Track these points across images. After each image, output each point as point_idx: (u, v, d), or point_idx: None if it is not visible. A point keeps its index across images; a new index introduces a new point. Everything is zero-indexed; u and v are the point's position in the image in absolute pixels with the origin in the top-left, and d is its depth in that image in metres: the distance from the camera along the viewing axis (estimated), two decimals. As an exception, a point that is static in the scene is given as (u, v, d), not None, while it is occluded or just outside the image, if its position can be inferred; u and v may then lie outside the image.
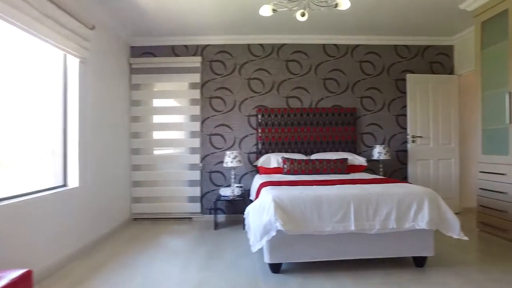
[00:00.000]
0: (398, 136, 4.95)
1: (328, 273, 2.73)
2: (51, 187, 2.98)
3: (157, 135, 4.84)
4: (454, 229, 2.70)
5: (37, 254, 2.61)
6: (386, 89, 4.95)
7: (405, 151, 4.91)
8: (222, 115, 4.82)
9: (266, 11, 2.76)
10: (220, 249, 3.42)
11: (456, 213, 2.75)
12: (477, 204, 3.75)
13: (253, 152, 4.82)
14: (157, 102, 4.84)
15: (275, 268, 2.73)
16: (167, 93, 4.83)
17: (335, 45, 4.93)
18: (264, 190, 2.94)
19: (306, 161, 4.19)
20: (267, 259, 2.69)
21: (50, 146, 3.07)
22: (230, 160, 4.22)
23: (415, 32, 4.78)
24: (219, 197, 4.43)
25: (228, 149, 4.79)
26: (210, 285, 2.57)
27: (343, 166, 4.17)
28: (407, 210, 2.68)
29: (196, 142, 4.78)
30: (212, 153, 4.80)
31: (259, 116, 4.73)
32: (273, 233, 2.53)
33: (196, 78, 4.78)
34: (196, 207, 4.75)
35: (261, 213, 2.63)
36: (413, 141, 4.78)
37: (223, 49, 4.83)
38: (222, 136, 4.81)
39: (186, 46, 4.81)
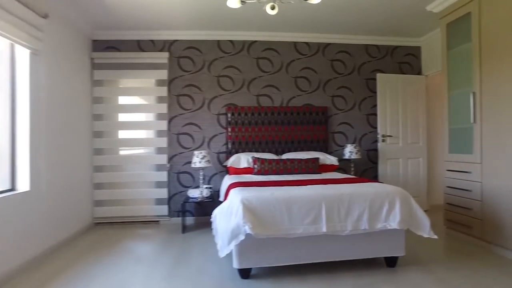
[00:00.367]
0: (369, 136, 4.96)
1: (300, 277, 2.63)
2: (-4, 192, 2.69)
3: (122, 134, 4.57)
4: (425, 228, 2.68)
5: (-23, 266, 2.33)
6: (357, 88, 4.95)
7: (376, 150, 4.93)
8: (191, 114, 4.63)
9: (234, 2, 2.62)
10: (187, 254, 3.24)
11: (424, 211, 2.74)
12: (444, 202, 3.79)
13: (223, 152, 4.66)
14: (122, 100, 4.58)
15: (245, 273, 2.59)
16: (133, 90, 4.57)
17: (306, 43, 4.86)
18: (232, 191, 2.80)
19: (277, 161, 4.09)
20: (236, 265, 2.55)
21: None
22: (198, 160, 4.04)
23: (385, 32, 4.81)
24: (187, 199, 4.24)
25: (196, 148, 4.61)
26: (174, 294, 2.40)
27: (314, 166, 4.10)
28: (379, 210, 2.63)
29: (163, 142, 4.56)
30: (180, 153, 4.60)
31: (229, 115, 4.59)
32: (242, 237, 2.40)
33: (163, 74, 4.56)
34: (163, 209, 4.54)
35: (229, 216, 2.49)
36: (383, 140, 4.80)
37: (192, 45, 4.64)
38: (190, 135, 4.62)
39: (152, 41, 4.58)
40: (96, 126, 4.47)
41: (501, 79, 3.07)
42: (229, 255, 2.63)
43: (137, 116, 4.57)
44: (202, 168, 4.17)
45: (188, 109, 4.63)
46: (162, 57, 4.52)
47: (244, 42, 4.74)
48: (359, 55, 4.97)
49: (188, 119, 4.62)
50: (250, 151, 4.57)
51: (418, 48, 5.14)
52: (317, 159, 4.19)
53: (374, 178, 4.91)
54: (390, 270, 2.74)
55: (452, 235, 3.69)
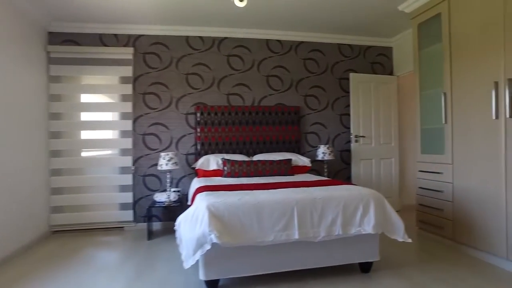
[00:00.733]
0: (342, 136, 4.90)
1: (271, 286, 2.48)
2: None
3: (83, 134, 4.25)
4: (399, 232, 2.60)
5: None
6: (330, 88, 4.88)
7: (349, 151, 4.87)
8: (157, 113, 4.38)
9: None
10: (151, 264, 3.02)
11: (397, 211, 2.67)
12: (416, 202, 3.77)
13: (192, 153, 4.45)
14: (83, 97, 4.25)
15: (212, 285, 2.41)
16: (95, 87, 4.26)
17: (278, 41, 4.73)
18: (198, 196, 2.61)
19: (248, 163, 3.93)
20: (202, 276, 2.37)
21: None
22: (165, 162, 3.81)
23: (358, 32, 4.76)
24: (153, 203, 3.99)
25: (164, 150, 4.37)
26: (133, 311, 2.19)
27: (286, 167, 3.98)
28: (353, 214, 2.52)
29: (128, 143, 4.29)
30: (146, 155, 4.34)
31: (198, 114, 4.38)
32: (208, 247, 2.22)
33: (128, 71, 4.29)
34: (128, 215, 4.27)
35: (193, 223, 2.30)
36: (356, 141, 4.75)
37: (158, 41, 4.39)
38: (157, 136, 4.37)
39: (116, 35, 4.30)
40: (54, 126, 4.13)
41: (470, 80, 3.06)
42: (195, 265, 2.44)
43: (100, 115, 4.27)
44: (169, 171, 3.94)
45: (154, 108, 4.37)
46: (127, 52, 4.25)
47: (214, 38, 4.55)
48: (332, 54, 4.90)
49: (155, 118, 4.37)
50: (220, 152, 4.38)
51: (390, 49, 5.14)
52: (289, 160, 4.07)
53: (348, 179, 4.85)
54: (365, 276, 2.65)
55: (424, 236, 3.67)
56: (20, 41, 3.50)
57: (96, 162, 4.26)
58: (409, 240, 2.59)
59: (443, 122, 3.35)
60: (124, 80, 4.29)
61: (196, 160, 4.29)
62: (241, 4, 2.46)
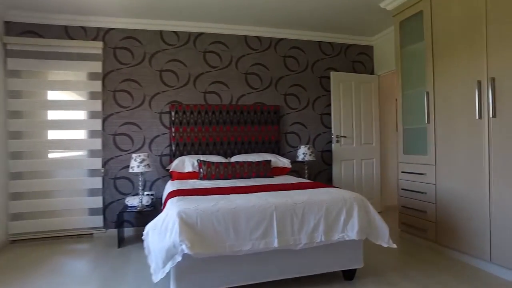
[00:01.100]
0: (323, 136, 4.78)
1: (248, 298, 2.30)
2: None
3: (48, 135, 3.93)
4: (384, 237, 2.48)
5: None
6: (310, 87, 4.75)
7: (330, 151, 4.76)
8: (129, 112, 4.12)
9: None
10: (120, 275, 2.78)
11: (378, 212, 2.55)
12: (399, 204, 3.68)
13: (166, 155, 4.21)
14: (47, 94, 3.94)
15: (184, 299, 2.21)
16: (60, 83, 3.94)
17: (257, 37, 4.56)
18: (170, 202, 2.39)
19: (225, 164, 3.73)
20: (173, 290, 2.16)
21: None
22: (136, 164, 3.57)
23: (338, 30, 4.65)
24: (125, 208, 3.74)
25: (136, 151, 4.12)
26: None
27: (266, 169, 3.81)
28: (336, 220, 2.37)
29: (97, 143, 4.01)
30: (117, 156, 4.08)
31: (173, 113, 4.15)
32: (179, 258, 2.01)
33: (97, 67, 4.01)
34: (98, 220, 3.98)
35: (163, 233, 2.09)
36: (337, 141, 4.64)
37: (131, 35, 4.13)
38: (129, 136, 4.11)
39: (83, 28, 4.00)
40: (13, 125, 3.80)
41: (453, 79, 2.98)
42: (167, 278, 2.23)
43: (66, 114, 3.96)
44: (142, 173, 3.69)
45: (126, 107, 4.11)
46: (95, 47, 3.97)
47: (190, 33, 4.32)
48: (312, 52, 4.78)
49: (126, 117, 4.11)
50: (196, 153, 4.17)
51: (370, 48, 5.06)
52: (268, 161, 3.90)
53: (329, 180, 4.74)
54: (348, 283, 2.51)
55: (407, 238, 3.58)
56: (-28, 31, 3.17)
57: (63, 164, 3.96)
58: (394, 246, 2.47)
59: (426, 122, 3.27)
60: (93, 76, 4.01)
61: (171, 161, 4.06)
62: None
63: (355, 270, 2.56)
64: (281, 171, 4.06)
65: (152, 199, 4.03)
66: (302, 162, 4.45)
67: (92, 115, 4.02)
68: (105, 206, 4.02)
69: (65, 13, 3.84)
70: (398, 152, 3.69)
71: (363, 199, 2.51)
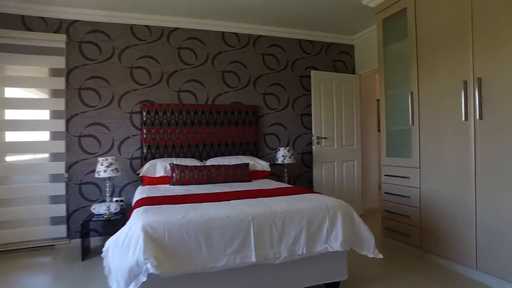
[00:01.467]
0: (303, 137, 4.62)
1: (222, 319, 2.08)
2: None
3: (4, 136, 3.56)
4: (369, 247, 2.31)
5: None
6: (290, 86, 4.57)
7: (310, 153, 4.60)
8: (96, 112, 3.81)
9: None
10: (80, 293, 2.50)
11: (359, 215, 2.39)
12: (382, 209, 3.55)
13: (137, 158, 3.93)
14: (2, 92, 3.56)
15: (150, 322, 1.96)
16: (17, 80, 3.58)
17: (235, 34, 4.34)
18: (135, 213, 2.15)
19: (200, 168, 3.50)
20: (137, 313, 1.91)
21: None
22: (103, 169, 3.28)
23: (319, 28, 4.50)
24: (90, 216, 3.44)
25: (104, 154, 3.82)
26: None
27: (243, 173, 3.60)
28: (319, 230, 2.19)
29: (60, 146, 3.68)
30: (83, 160, 3.76)
31: (144, 113, 3.87)
32: (143, 279, 1.78)
33: (60, 62, 3.68)
34: (61, 230, 3.66)
35: (125, 249, 1.84)
36: (318, 143, 4.48)
37: (98, 28, 3.82)
38: (96, 138, 3.80)
39: (43, 18, 3.66)
40: (-36, 126, 3.43)
41: (438, 79, 2.87)
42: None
43: (25, 113, 3.61)
44: (109, 178, 3.40)
45: (93, 106, 3.80)
46: (58, 40, 3.64)
47: (163, 28, 4.06)
48: (292, 50, 4.60)
49: (93, 118, 3.80)
50: (170, 156, 3.91)
51: (351, 47, 4.94)
52: (246, 164, 3.69)
53: (309, 183, 4.58)
54: (330, 298, 2.34)
55: (390, 244, 3.45)
56: None
57: (21, 169, 3.60)
58: (380, 256, 2.31)
59: (410, 123, 3.14)
60: (55, 72, 3.68)
61: (142, 165, 3.78)
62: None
63: (338, 282, 2.39)
64: (260, 174, 3.87)
65: (122, 205, 3.76)
66: (282, 164, 4.26)
67: (55, 115, 3.69)
68: (69, 215, 3.70)
69: (22, 1, 3.48)
70: (381, 155, 3.56)
71: (347, 207, 2.34)
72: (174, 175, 3.46)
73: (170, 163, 3.57)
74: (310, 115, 4.58)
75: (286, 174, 4.19)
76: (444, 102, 2.81)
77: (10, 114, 3.59)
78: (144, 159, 3.86)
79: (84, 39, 3.78)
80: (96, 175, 3.30)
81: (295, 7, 3.80)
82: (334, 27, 4.50)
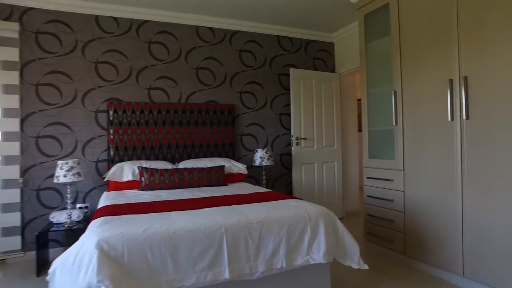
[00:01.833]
0: (282, 138, 4.42)
1: None
2: None
3: None
4: (354, 257, 2.14)
5: None
6: (268, 84, 4.37)
7: (289, 154, 4.41)
8: (57, 110, 3.47)
9: None
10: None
11: (340, 218, 2.22)
12: (364, 213, 3.40)
13: (103, 160, 3.61)
14: None
15: None
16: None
17: (210, 28, 4.10)
18: (91, 226, 1.87)
19: (171, 171, 3.23)
20: None
21: None
22: (62, 173, 2.95)
23: (298, 24, 4.33)
24: (49, 226, 3.11)
25: (66, 156, 3.48)
26: None
27: (218, 176, 3.36)
28: (300, 241, 1.99)
29: (14, 148, 3.31)
30: (41, 163, 3.41)
31: (111, 112, 3.56)
32: (97, 305, 1.51)
33: (12, 54, 3.30)
34: (14, 242, 3.28)
35: (76, 271, 1.57)
36: (297, 143, 4.30)
37: (57, 18, 3.48)
38: (56, 139, 3.46)
39: (-7, 6, 3.29)
40: None
41: (422, 77, 2.74)
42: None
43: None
44: (69, 184, 3.08)
45: (53, 104, 3.46)
46: (9, 29, 3.26)
47: (132, 20, 3.76)
48: (271, 47, 4.40)
49: (54, 117, 3.46)
50: (139, 158, 3.62)
51: (331, 44, 4.80)
52: (221, 167, 3.45)
53: (288, 185, 4.39)
54: (312, 314, 2.14)
55: (373, 249, 3.31)
56: None
57: (-32, 173, 3.22)
58: (365, 267, 2.14)
59: (393, 123, 3.00)
60: (6, 65, 3.30)
61: (109, 168, 3.47)
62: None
63: (319, 296, 2.20)
64: (236, 177, 3.64)
65: (86, 212, 3.44)
66: (260, 167, 4.05)
67: (7, 113, 3.31)
68: (24, 224, 3.34)
69: (-31, -13, 3.11)
70: (363, 156, 3.41)
71: (330, 214, 2.15)
72: (143, 179, 3.18)
73: (138, 166, 3.28)
74: (289, 114, 4.40)
75: (264, 177, 3.98)
76: (429, 102, 2.69)
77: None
78: (111, 162, 3.55)
79: (41, 30, 3.42)
80: (55, 180, 2.97)
81: (273, 0, 3.60)
82: (313, 24, 4.34)
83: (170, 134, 3.75)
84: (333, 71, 4.78)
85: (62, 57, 3.49)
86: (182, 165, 3.48)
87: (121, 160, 3.56)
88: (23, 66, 3.35)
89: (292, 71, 4.29)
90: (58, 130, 3.47)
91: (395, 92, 3.00)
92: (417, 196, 2.80)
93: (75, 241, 1.70)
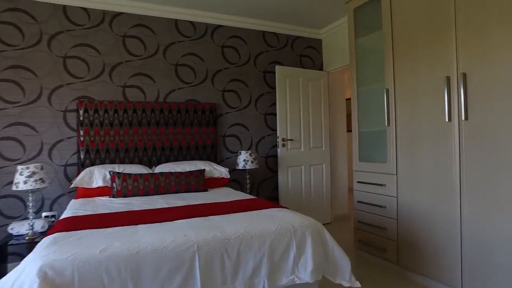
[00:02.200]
0: (267, 139, 4.19)
1: None
2: None
3: None
4: (344, 274, 1.91)
5: None
6: (253, 82, 4.13)
7: (275, 156, 4.18)
8: (19, 109, 3.15)
9: None
10: None
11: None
12: (354, 219, 3.19)
13: (73, 164, 3.31)
14: None
15: None
16: None
17: (191, 22, 3.83)
18: (39, 245, 1.58)
19: (146, 176, 2.96)
20: None
21: None
22: (23, 179, 2.65)
23: (285, 19, 4.10)
24: (8, 238, 2.80)
25: (30, 160, 3.17)
26: None
27: (198, 181, 3.10)
28: (284, 258, 1.76)
29: (-29, 151, 3.00)
30: (1, 168, 3.09)
31: (82, 112, 3.27)
32: None
33: (-30, 49, 3.00)
34: (-29, 254, 2.97)
35: (13, 304, 1.30)
36: (283, 145, 4.07)
37: (18, 6, 3.16)
38: (18, 141, 3.14)
39: None
40: None
41: (416, 75, 2.54)
42: None
43: None
44: (32, 191, 2.78)
45: (14, 102, 3.14)
46: (-35, 21, 2.95)
47: (104, 12, 3.46)
48: (255, 43, 4.16)
49: (15, 116, 3.14)
50: (113, 162, 3.33)
51: (319, 41, 4.59)
52: (202, 171, 3.20)
53: (274, 189, 4.16)
54: (298, 338, 1.91)
55: (364, 259, 3.10)
56: None
57: None
58: (357, 285, 1.92)
59: (386, 124, 2.80)
60: (-37, 61, 2.99)
61: (79, 173, 3.17)
62: None
63: (308, 319, 1.97)
64: (218, 182, 3.39)
65: (53, 221, 3.14)
66: (244, 170, 3.81)
67: (-36, 113, 3.00)
68: (-18, 235, 3.02)
69: None
70: (353, 159, 3.20)
71: (318, 226, 1.92)
72: (114, 185, 2.90)
73: (110, 171, 3.00)
74: (275, 114, 4.17)
75: (248, 181, 3.74)
76: (424, 101, 2.49)
77: None
78: (81, 166, 3.25)
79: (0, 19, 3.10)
80: (14, 188, 2.67)
81: (257, -8, 3.38)
82: (300, 19, 4.11)
83: (146, 136, 3.47)
84: (321, 69, 4.57)
85: (25, 51, 3.17)
86: (159, 169, 3.21)
87: (92, 164, 3.27)
88: (-21, 61, 3.03)
89: (278, 68, 4.06)
90: (20, 131, 3.15)
91: (387, 91, 2.79)
92: (411, 202, 2.60)
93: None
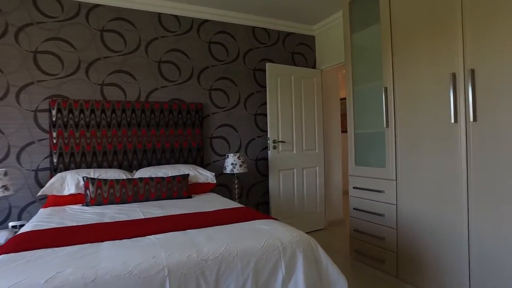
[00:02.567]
0: (257, 141, 3.95)
1: None
2: None
3: None
4: (340, 296, 1.68)
5: None
6: (242, 81, 3.89)
7: (266, 159, 3.95)
8: (-17, 109, 2.88)
9: None
10: None
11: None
12: (350, 228, 2.97)
13: (45, 169, 3.04)
14: None
15: None
16: None
17: (175, 16, 3.58)
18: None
19: (124, 182, 2.70)
20: None
21: None
22: (-17, 187, 2.39)
23: (276, 14, 3.87)
24: (-31, 251, 2.52)
25: (-4, 165, 2.90)
26: None
27: (181, 187, 2.85)
28: (271, 280, 1.52)
29: None
30: (-36, 173, 2.81)
31: (54, 112, 3.00)
32: None
33: None
34: None
35: None
36: (274, 147, 3.83)
37: (-14, -1, 2.89)
38: (-17, 143, 2.87)
39: None
40: None
41: (417, 72, 2.32)
42: None
43: None
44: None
45: (-21, 102, 2.87)
46: None
47: (80, 4, 3.20)
48: (245, 39, 3.92)
49: (-20, 117, 2.87)
50: (90, 166, 3.07)
51: (312, 38, 4.37)
52: (185, 176, 2.95)
53: (264, 194, 3.92)
54: None
55: (361, 270, 2.87)
56: None
57: None
58: (355, 309, 1.68)
59: (384, 125, 2.58)
60: None
61: (52, 177, 2.90)
62: None
63: None
64: (204, 187, 3.15)
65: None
66: (232, 174, 3.57)
67: None
68: None
69: None
70: (349, 163, 2.98)
71: (310, 242, 1.68)
72: (88, 192, 2.64)
73: (84, 177, 2.73)
74: (265, 115, 3.94)
75: (236, 186, 3.49)
76: (427, 100, 2.27)
77: None
78: (54, 171, 2.98)
79: (-35, 12, 2.83)
80: (-26, 196, 2.40)
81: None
82: (292, 14, 3.89)
83: (126, 138, 3.21)
84: (314, 67, 4.35)
85: (-9, 45, 2.90)
86: (139, 174, 2.95)
87: (66, 169, 3.00)
88: None
89: (268, 66, 3.82)
90: (-13, 133, 2.88)
91: (385, 89, 2.57)
92: (412, 210, 2.38)
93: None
